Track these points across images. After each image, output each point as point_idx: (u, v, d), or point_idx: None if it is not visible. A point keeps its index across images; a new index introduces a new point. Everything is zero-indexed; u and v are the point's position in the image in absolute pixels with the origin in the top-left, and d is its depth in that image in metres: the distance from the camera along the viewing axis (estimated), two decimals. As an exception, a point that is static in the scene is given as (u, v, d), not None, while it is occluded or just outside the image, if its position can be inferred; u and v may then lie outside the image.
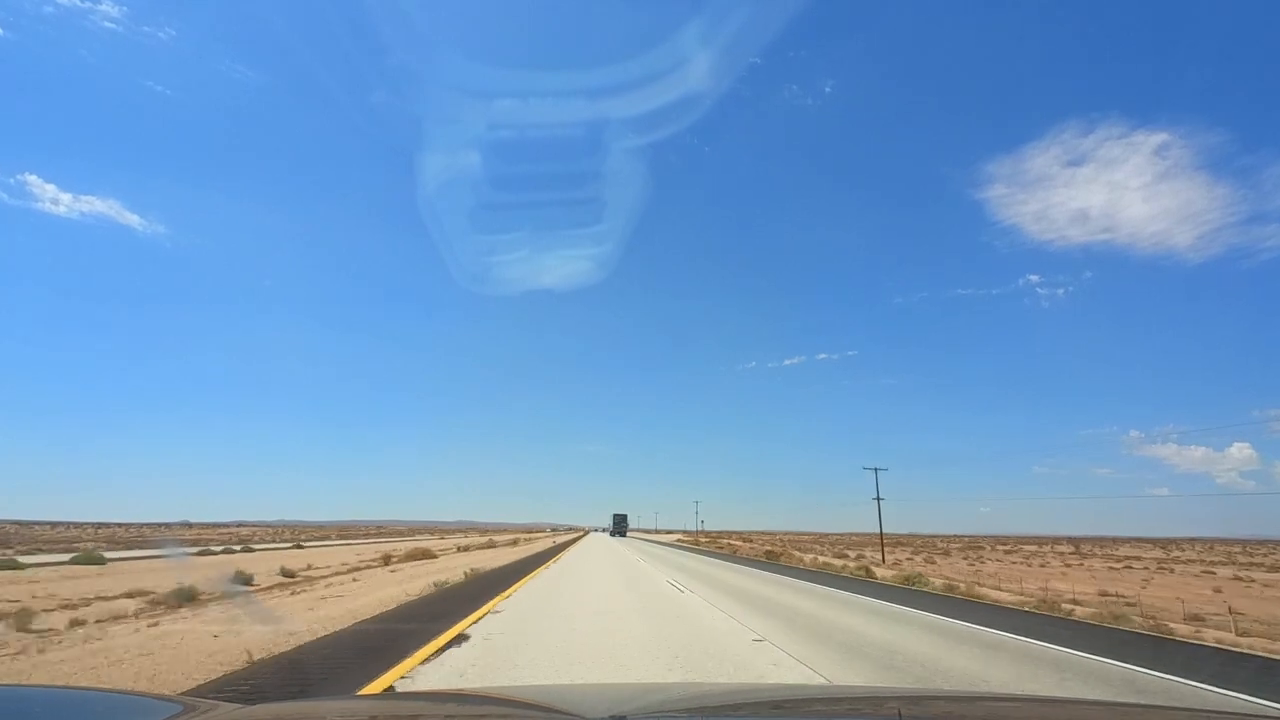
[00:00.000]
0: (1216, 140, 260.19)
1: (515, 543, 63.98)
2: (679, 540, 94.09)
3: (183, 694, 5.65)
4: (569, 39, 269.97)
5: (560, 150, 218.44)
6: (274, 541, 56.67)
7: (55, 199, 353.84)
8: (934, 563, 45.17)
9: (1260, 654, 9.93)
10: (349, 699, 4.34)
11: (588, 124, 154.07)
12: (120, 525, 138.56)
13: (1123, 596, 22.10)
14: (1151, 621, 13.05)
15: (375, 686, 6.03)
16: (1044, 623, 12.49)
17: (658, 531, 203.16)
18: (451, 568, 23.21)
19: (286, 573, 21.58)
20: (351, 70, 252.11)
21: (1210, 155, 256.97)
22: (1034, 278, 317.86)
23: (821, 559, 39.16)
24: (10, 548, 39.12)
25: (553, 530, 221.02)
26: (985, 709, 2.33)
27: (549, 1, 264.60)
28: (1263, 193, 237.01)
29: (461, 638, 8.83)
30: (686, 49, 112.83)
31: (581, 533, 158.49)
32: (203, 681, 6.21)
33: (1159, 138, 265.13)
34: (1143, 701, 6.39)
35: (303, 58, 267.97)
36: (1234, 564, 52.63)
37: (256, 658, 7.24)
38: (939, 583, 22.18)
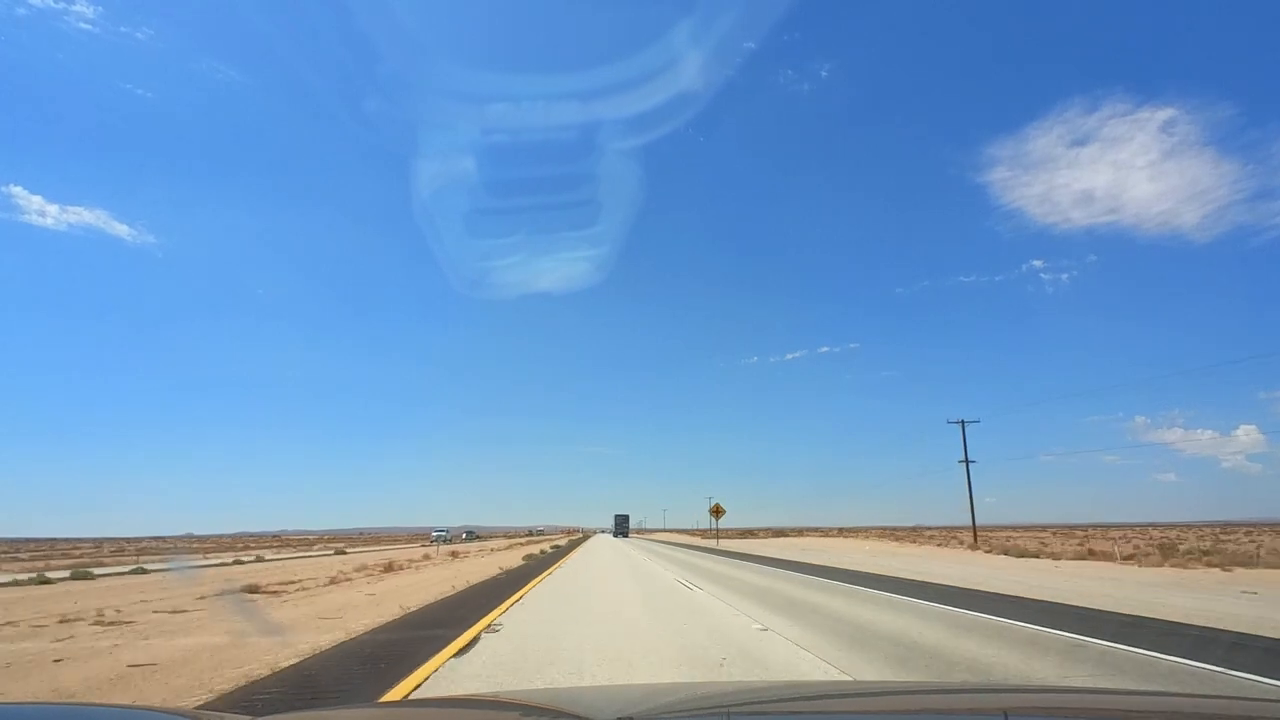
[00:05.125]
0: (1224, 114, 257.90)
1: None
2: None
3: (197, 708, 5.61)
4: (562, 42, 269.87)
5: (554, 154, 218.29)
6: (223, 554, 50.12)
7: (42, 210, 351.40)
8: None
9: None
10: (361, 707, 4.24)
11: (581, 127, 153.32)
12: (129, 539, 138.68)
13: None
14: None
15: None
16: None
17: (694, 532, 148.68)
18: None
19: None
20: (343, 76, 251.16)
21: (1217, 130, 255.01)
22: (1038, 263, 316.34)
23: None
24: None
25: (528, 535, 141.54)
26: (1001, 701, 2.29)
27: (541, 5, 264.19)
28: (1270, 168, 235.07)
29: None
30: (679, 46, 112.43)
31: (574, 536, 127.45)
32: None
33: (1165, 114, 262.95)
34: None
35: (292, 63, 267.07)
36: None
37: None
38: None
